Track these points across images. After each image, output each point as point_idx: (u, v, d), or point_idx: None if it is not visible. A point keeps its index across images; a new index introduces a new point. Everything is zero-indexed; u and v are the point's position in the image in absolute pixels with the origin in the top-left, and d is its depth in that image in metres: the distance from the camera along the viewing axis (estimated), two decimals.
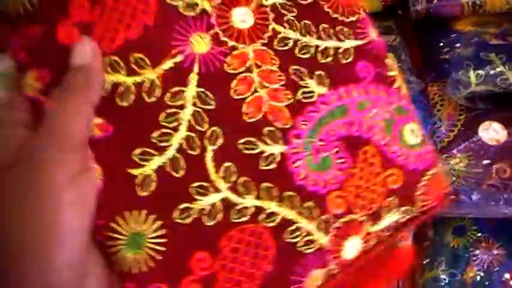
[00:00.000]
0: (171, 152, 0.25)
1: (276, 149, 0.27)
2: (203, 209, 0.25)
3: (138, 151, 0.24)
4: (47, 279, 0.20)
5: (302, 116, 0.28)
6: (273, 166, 0.27)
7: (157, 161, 0.24)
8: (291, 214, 0.27)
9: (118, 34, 0.25)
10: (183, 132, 0.25)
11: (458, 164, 0.47)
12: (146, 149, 0.24)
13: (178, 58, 0.26)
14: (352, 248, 0.28)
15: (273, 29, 0.29)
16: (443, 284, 0.47)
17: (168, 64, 0.26)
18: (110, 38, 0.25)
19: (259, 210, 0.26)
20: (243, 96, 0.27)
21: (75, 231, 0.21)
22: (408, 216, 0.30)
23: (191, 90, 0.26)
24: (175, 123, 0.25)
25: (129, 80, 0.25)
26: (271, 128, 0.27)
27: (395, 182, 0.30)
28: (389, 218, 0.29)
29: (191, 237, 0.25)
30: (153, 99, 0.25)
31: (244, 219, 0.26)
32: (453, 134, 0.51)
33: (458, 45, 0.53)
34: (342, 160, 0.28)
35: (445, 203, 0.32)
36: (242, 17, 0.28)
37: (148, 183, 0.24)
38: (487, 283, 0.46)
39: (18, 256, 0.20)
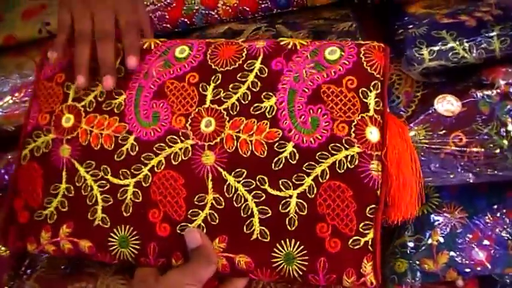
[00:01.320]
0: (257, 212, 0.41)
1: (288, 148, 0.41)
2: (295, 211, 0.40)
3: (254, 225, 0.41)
4: None
5: (279, 121, 0.42)
6: (297, 156, 0.41)
7: (257, 223, 0.41)
8: (329, 161, 0.40)
9: (181, 208, 0.43)
10: (250, 199, 0.41)
11: (417, 136, 0.50)
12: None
13: (210, 176, 0.43)
14: (372, 133, 0.41)
15: (223, 108, 0.44)
16: (409, 248, 0.49)
17: (210, 184, 0.42)
18: (176, 213, 0.43)
19: (315, 179, 0.40)
20: (249, 148, 0.42)
21: None
22: (379, 84, 0.42)
23: (229, 178, 0.42)
24: (234, 194, 0.42)
25: (203, 215, 0.42)
26: (276, 143, 0.42)
27: (353, 82, 0.42)
28: (371, 97, 0.42)
29: (305, 224, 0.39)
30: (223, 204, 0.42)
31: (315, 190, 0.40)
32: (411, 110, 0.54)
33: (411, 26, 0.56)
34: (319, 109, 0.42)
35: (386, 55, 0.44)
36: (206, 124, 0.44)
37: (265, 234, 0.41)
38: (451, 244, 0.49)
39: None
